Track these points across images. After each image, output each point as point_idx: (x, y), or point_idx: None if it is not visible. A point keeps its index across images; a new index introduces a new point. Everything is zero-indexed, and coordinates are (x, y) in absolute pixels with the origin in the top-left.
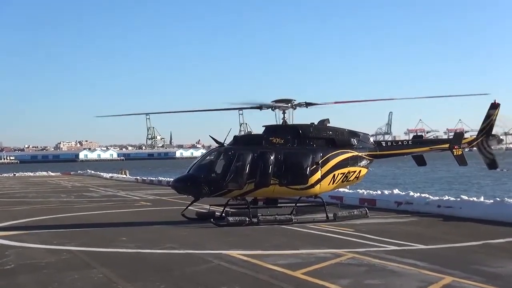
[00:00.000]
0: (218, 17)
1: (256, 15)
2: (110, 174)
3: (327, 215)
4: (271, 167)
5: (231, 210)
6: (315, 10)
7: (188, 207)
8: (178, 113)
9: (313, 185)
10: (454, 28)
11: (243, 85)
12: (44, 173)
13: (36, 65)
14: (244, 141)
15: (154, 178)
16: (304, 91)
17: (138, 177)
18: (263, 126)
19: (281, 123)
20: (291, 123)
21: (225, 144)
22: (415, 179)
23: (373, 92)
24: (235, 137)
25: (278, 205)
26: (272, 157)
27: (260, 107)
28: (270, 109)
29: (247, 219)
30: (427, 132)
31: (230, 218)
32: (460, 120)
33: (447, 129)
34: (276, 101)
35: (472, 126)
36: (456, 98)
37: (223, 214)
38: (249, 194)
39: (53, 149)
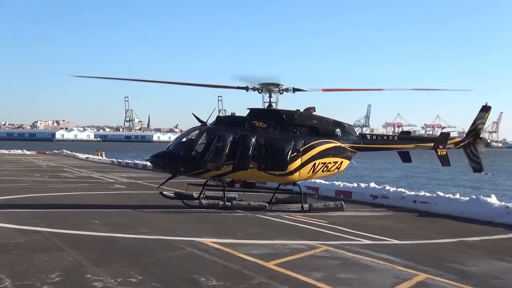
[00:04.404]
0: None
1: None
2: (86, 155)
3: (302, 206)
4: (251, 150)
5: (205, 192)
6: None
7: (164, 184)
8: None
9: (292, 172)
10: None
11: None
12: (19, 151)
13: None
14: (227, 122)
15: (130, 161)
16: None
17: (114, 159)
18: (247, 108)
19: (266, 107)
20: (276, 108)
21: (207, 124)
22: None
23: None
24: (218, 117)
25: (256, 190)
26: (253, 140)
27: (246, 87)
28: (257, 91)
29: (221, 202)
30: (399, 126)
31: (204, 201)
32: (438, 116)
33: (424, 124)
34: (263, 84)
35: (449, 122)
36: (436, 93)
37: (198, 196)
38: (226, 175)
39: (29, 127)
